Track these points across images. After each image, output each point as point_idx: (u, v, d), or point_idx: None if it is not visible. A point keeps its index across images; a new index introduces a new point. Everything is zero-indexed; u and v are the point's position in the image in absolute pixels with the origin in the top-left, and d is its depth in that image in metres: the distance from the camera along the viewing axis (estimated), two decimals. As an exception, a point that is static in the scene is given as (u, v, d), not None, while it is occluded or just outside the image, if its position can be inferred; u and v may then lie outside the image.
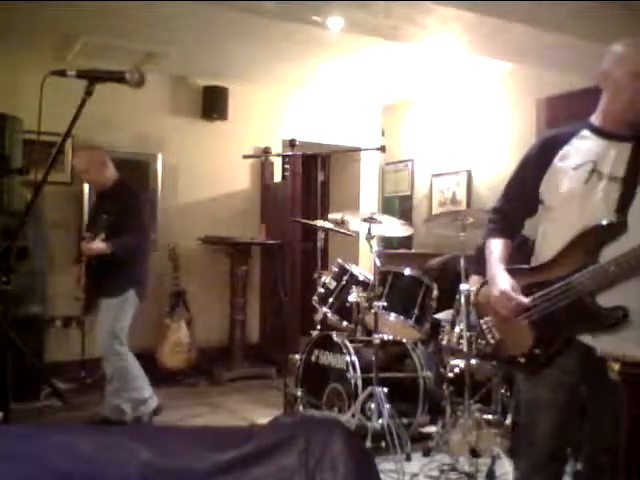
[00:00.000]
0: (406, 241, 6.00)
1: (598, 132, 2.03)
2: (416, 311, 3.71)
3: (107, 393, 3.88)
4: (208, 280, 5.73)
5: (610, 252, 1.88)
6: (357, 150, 6.27)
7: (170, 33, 4.53)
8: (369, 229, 3.62)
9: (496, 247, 2.16)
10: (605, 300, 1.89)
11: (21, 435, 1.10)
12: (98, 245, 3.69)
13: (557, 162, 2.02)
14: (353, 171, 6.74)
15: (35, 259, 4.73)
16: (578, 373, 2.00)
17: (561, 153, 2.03)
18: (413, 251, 6.08)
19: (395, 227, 3.84)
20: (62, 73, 1.83)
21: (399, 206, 6.39)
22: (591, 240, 1.91)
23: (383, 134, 6.57)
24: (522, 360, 2.04)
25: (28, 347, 3.64)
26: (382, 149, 4.19)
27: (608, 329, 1.88)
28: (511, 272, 2.08)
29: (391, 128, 6.54)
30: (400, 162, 6.39)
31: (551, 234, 2.08)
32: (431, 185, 6.04)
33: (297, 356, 4.08)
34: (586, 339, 1.93)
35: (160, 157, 5.53)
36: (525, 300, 2.00)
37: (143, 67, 5.00)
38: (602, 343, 1.90)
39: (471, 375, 3.44)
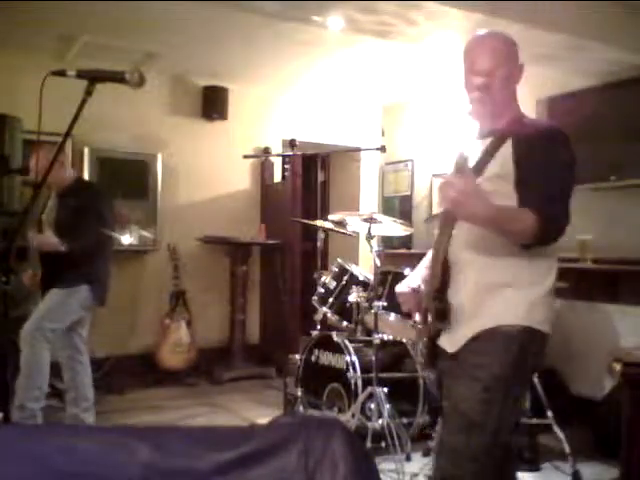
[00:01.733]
0: (406, 241, 6.00)
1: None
2: (416, 311, 3.70)
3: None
4: (208, 280, 5.74)
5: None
6: (357, 150, 6.27)
7: (170, 33, 4.53)
8: (369, 229, 3.62)
9: None
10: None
11: (21, 435, 1.10)
12: (52, 239, 3.50)
13: None
14: (353, 171, 6.73)
15: (35, 259, 4.73)
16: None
17: None
18: (413, 251, 6.07)
19: (395, 227, 3.84)
20: (62, 73, 1.83)
21: (399, 206, 6.39)
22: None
23: (383, 134, 6.57)
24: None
25: (28, 347, 3.64)
26: (382, 149, 4.19)
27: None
28: None
29: (391, 128, 6.54)
30: (400, 162, 6.39)
31: None
32: (431, 185, 6.04)
33: (297, 356, 4.08)
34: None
35: (160, 157, 5.53)
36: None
37: (143, 67, 5.00)
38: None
39: (471, 375, 3.44)
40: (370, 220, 3.62)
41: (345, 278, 3.92)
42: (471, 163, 1.92)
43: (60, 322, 3.64)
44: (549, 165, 1.83)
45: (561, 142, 1.90)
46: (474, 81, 1.95)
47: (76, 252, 3.54)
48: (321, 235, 4.16)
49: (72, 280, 3.62)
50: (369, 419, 3.44)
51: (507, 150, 1.89)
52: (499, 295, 1.86)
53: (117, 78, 1.87)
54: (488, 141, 1.97)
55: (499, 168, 1.88)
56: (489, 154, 1.93)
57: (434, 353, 1.99)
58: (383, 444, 3.31)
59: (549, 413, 3.29)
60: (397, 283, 3.90)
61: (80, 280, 3.63)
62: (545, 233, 1.74)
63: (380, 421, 3.38)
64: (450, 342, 1.92)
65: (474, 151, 1.98)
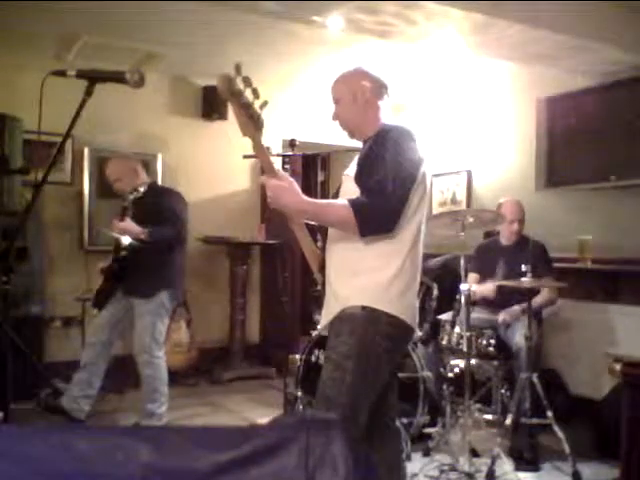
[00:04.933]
0: (406, 241, 5.99)
1: None
2: (416, 311, 3.70)
3: (75, 382, 3.84)
4: (208, 280, 5.74)
5: None
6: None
7: (170, 33, 4.53)
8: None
9: None
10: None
11: (21, 435, 1.10)
12: (133, 225, 3.61)
13: None
14: (353, 171, 6.73)
15: (35, 259, 4.73)
16: None
17: None
18: (413, 251, 6.07)
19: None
20: (62, 73, 1.83)
21: (399, 206, 6.39)
22: None
23: (383, 134, 6.56)
24: None
25: (28, 347, 3.64)
26: (382, 149, 4.19)
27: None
28: None
29: (391, 128, 6.54)
30: (400, 162, 6.38)
31: None
32: (431, 185, 6.02)
33: (297, 356, 4.08)
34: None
35: (160, 157, 5.53)
36: None
37: (143, 67, 5.00)
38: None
39: (471, 375, 3.44)
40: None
41: (345, 278, 3.92)
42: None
43: (161, 334, 3.87)
44: (373, 161, 2.05)
45: (392, 139, 2.09)
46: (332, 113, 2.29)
47: (159, 241, 3.63)
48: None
49: (152, 287, 3.75)
50: (369, 419, 3.44)
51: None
52: (348, 281, 2.07)
53: (117, 78, 1.87)
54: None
55: (353, 169, 2.15)
56: (354, 160, 2.20)
57: None
58: (383, 444, 3.31)
59: (549, 413, 3.29)
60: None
61: (160, 286, 3.76)
62: (363, 223, 1.95)
63: (380, 421, 3.37)
64: (322, 323, 2.20)
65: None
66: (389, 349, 2.04)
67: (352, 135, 2.31)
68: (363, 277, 2.04)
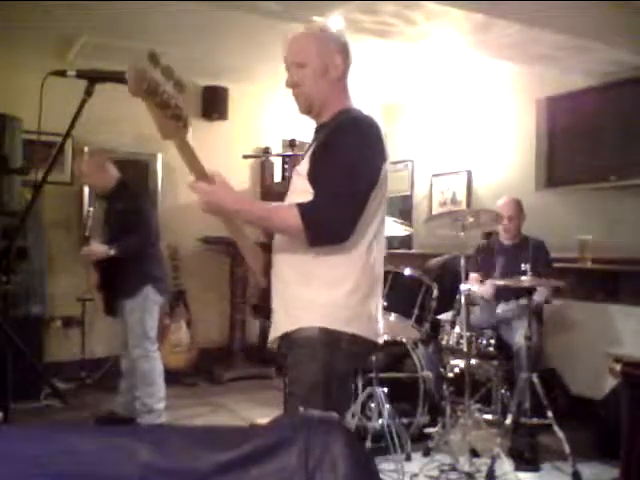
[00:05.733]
0: (406, 241, 6.00)
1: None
2: (416, 311, 3.71)
3: (123, 389, 3.96)
4: (208, 280, 5.73)
5: None
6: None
7: (170, 33, 4.53)
8: (369, 229, 3.61)
9: None
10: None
11: (21, 435, 1.10)
12: (99, 248, 3.73)
13: None
14: (353, 171, 6.73)
15: (35, 259, 4.73)
16: None
17: None
18: (413, 251, 6.08)
19: (395, 227, 3.84)
20: (62, 73, 1.82)
21: (399, 206, 6.39)
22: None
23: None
24: None
25: (28, 347, 3.64)
26: (382, 149, 4.19)
27: None
28: None
29: (391, 128, 6.54)
30: (400, 162, 6.39)
31: None
32: (431, 185, 6.04)
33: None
34: None
35: (160, 157, 5.53)
36: None
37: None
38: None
39: (471, 375, 3.44)
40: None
41: (345, 278, 3.92)
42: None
43: (153, 328, 3.87)
44: (330, 156, 1.73)
45: (356, 131, 1.77)
46: (287, 76, 1.95)
47: (127, 253, 3.72)
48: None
49: (135, 285, 3.81)
50: (369, 419, 3.44)
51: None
52: (299, 293, 1.81)
53: (117, 78, 1.86)
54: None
55: (304, 163, 1.82)
56: (306, 151, 1.86)
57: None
58: (383, 444, 3.31)
59: (549, 413, 3.29)
60: (397, 283, 3.90)
61: (142, 282, 3.81)
62: (313, 232, 1.68)
63: (380, 421, 3.38)
64: (270, 336, 1.95)
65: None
66: (352, 366, 1.92)
67: (308, 112, 1.93)
68: (317, 291, 1.79)
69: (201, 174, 1.78)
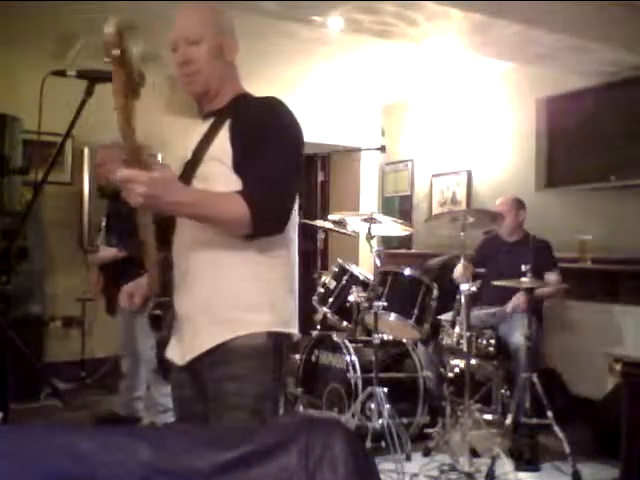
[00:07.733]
0: (406, 241, 6.00)
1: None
2: (416, 311, 3.71)
3: (123, 389, 3.93)
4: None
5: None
6: (357, 150, 6.27)
7: (170, 33, 4.53)
8: (369, 229, 3.62)
9: None
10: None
11: (21, 435, 1.10)
12: (109, 253, 3.72)
13: None
14: (353, 171, 6.73)
15: (35, 259, 4.73)
16: None
17: None
18: (413, 251, 6.08)
19: (395, 227, 3.84)
20: (62, 73, 1.83)
21: (399, 206, 6.39)
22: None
23: (383, 134, 6.57)
24: None
25: (28, 347, 3.64)
26: (382, 149, 4.20)
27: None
28: None
29: (391, 128, 6.54)
30: (400, 162, 6.39)
31: None
32: (431, 185, 6.04)
33: (297, 356, 4.08)
34: None
35: (160, 157, 5.52)
36: None
37: (143, 67, 4.99)
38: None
39: (471, 375, 3.44)
40: (370, 220, 3.62)
41: (345, 278, 3.92)
42: (192, 147, 1.76)
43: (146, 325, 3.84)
44: (260, 145, 1.64)
45: (279, 119, 1.70)
46: (177, 55, 1.83)
47: (137, 252, 3.62)
48: (321, 235, 4.16)
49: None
50: (369, 419, 3.44)
51: (225, 132, 1.69)
52: (233, 298, 1.66)
53: (117, 78, 1.86)
54: (208, 123, 1.78)
55: (217, 151, 1.68)
56: (208, 137, 1.73)
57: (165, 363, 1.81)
58: (383, 444, 3.31)
59: (549, 413, 3.29)
60: (397, 283, 3.89)
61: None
62: (260, 221, 1.56)
63: (380, 421, 3.38)
64: (180, 353, 1.73)
65: (195, 135, 1.79)
66: (286, 365, 1.79)
67: (201, 97, 1.81)
68: (259, 292, 1.66)
69: (136, 160, 1.52)
